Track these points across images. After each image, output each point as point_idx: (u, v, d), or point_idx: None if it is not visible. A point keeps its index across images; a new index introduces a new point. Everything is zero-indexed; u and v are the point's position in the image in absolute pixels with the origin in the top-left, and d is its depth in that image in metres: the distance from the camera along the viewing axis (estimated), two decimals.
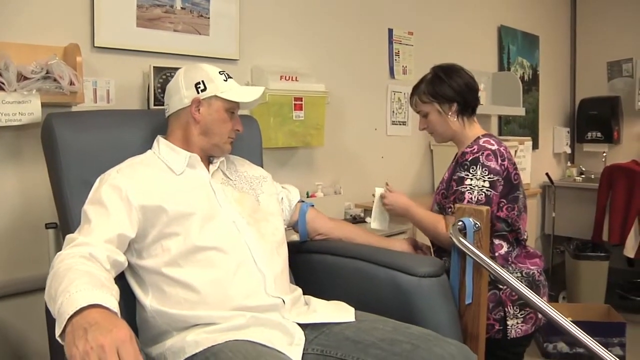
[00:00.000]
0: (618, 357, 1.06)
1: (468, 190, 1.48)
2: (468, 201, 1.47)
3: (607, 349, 1.08)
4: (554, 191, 3.60)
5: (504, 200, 1.55)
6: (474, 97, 1.66)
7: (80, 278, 0.92)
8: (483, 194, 1.48)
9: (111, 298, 0.89)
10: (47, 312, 1.24)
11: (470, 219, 1.30)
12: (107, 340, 0.78)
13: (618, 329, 2.59)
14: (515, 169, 1.58)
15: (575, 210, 3.63)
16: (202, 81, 1.33)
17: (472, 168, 1.51)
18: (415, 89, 1.70)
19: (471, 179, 1.50)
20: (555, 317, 1.13)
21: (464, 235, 1.30)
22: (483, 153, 1.52)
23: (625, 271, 3.52)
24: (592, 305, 2.96)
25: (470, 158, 1.52)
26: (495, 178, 1.50)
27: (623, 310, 2.89)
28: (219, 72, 1.36)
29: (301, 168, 2.36)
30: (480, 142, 1.56)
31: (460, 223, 1.30)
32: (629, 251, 3.06)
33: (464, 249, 1.25)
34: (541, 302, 1.17)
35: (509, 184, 1.55)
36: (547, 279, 1.67)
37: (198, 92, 1.32)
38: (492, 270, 1.21)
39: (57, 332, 0.84)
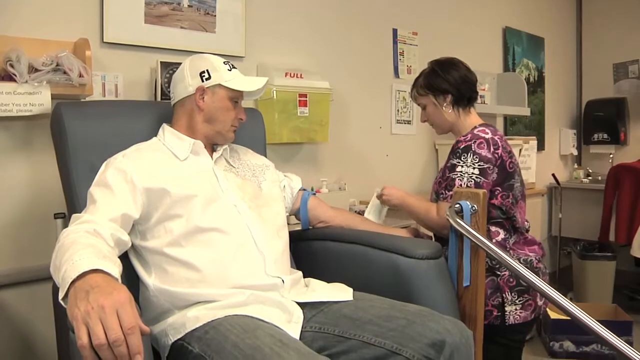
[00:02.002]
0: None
1: (458, 177, 1.52)
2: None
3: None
4: (560, 192, 3.59)
5: (499, 188, 1.57)
6: (470, 89, 1.69)
7: (84, 249, 0.95)
8: (472, 180, 1.50)
9: (113, 266, 0.92)
10: (55, 300, 1.27)
11: (467, 202, 1.32)
12: (108, 301, 0.81)
13: (625, 328, 2.57)
14: (511, 157, 1.60)
15: (581, 211, 3.61)
16: (207, 70, 1.36)
17: (464, 155, 1.54)
18: (415, 82, 1.76)
19: (462, 166, 1.53)
20: (552, 296, 1.12)
21: (461, 218, 1.31)
22: (475, 141, 1.55)
23: (633, 272, 3.49)
24: (598, 305, 2.94)
25: (463, 146, 1.56)
26: (486, 166, 1.52)
27: (631, 311, 2.86)
28: (224, 62, 1.40)
29: (306, 164, 2.38)
30: (475, 131, 1.59)
31: (457, 205, 1.32)
32: (636, 251, 3.03)
33: (461, 229, 1.27)
34: (538, 282, 1.16)
35: (503, 172, 1.57)
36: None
37: (203, 81, 1.36)
38: (490, 250, 1.22)
39: (60, 295, 0.87)
